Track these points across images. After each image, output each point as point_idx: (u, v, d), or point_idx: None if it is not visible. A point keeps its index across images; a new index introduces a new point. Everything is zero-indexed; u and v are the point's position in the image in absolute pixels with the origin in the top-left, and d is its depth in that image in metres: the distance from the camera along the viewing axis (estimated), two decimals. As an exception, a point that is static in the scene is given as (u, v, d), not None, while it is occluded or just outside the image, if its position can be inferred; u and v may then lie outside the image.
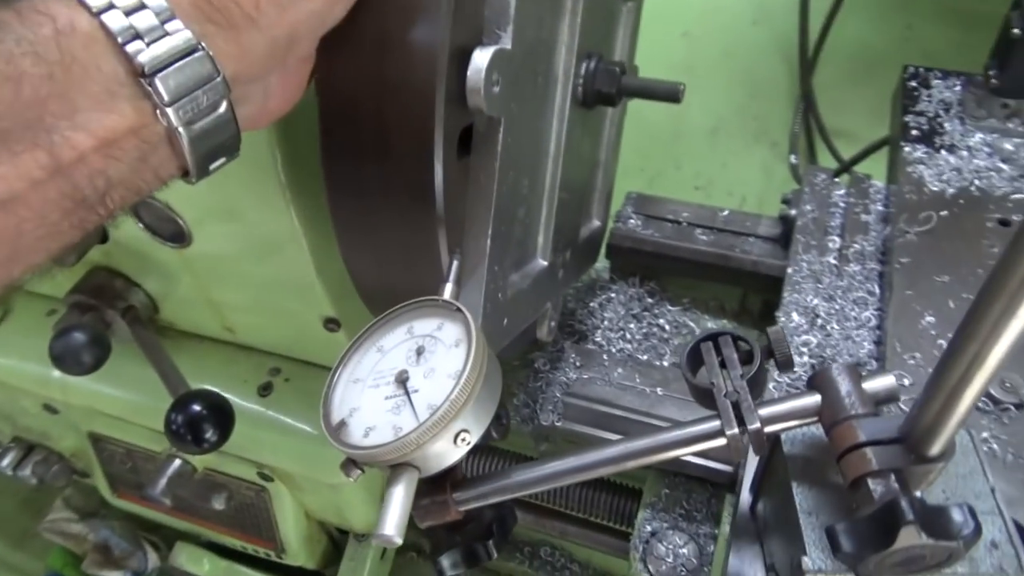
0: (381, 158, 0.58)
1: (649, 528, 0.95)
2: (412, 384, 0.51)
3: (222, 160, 0.46)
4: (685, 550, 0.92)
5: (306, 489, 1.08)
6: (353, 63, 0.54)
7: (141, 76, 0.40)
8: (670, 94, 0.82)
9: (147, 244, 0.88)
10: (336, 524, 1.19)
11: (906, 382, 0.79)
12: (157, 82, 0.40)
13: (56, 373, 1.06)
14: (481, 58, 0.55)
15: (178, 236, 0.85)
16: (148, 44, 0.40)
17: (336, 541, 1.26)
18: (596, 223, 0.99)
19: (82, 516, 1.36)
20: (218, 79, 0.42)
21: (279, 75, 0.51)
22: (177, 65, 0.41)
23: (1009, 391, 0.76)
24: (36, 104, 0.37)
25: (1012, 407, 0.76)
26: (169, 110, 0.41)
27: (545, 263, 0.82)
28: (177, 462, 1.02)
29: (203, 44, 0.42)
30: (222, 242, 0.85)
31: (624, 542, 1.07)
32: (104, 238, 0.91)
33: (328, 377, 0.55)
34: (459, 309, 0.53)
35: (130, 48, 0.39)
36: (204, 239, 0.84)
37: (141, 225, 0.86)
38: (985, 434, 0.74)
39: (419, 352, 0.53)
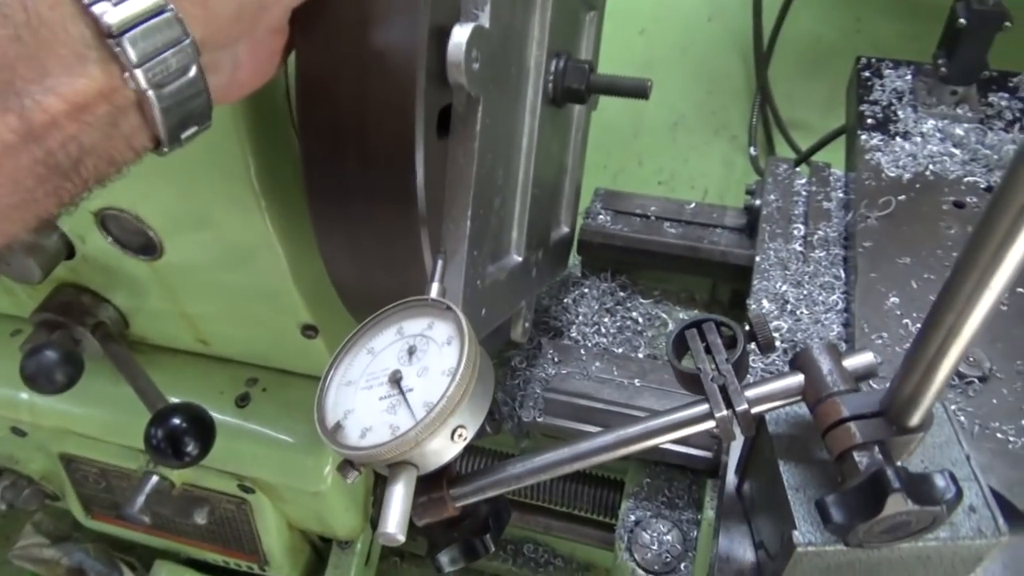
0: (360, 143, 0.58)
1: (633, 517, 0.97)
2: (406, 383, 0.52)
3: (193, 129, 0.46)
4: (669, 537, 0.94)
5: (288, 499, 1.07)
6: (331, 42, 0.55)
7: (108, 37, 0.39)
8: (638, 90, 0.84)
9: (116, 258, 0.87)
10: (319, 532, 1.19)
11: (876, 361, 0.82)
12: (125, 43, 0.40)
13: (24, 395, 1.04)
14: (460, 34, 0.56)
15: (148, 248, 0.84)
16: (115, 4, 0.39)
17: (319, 550, 1.25)
18: (565, 229, 1.01)
19: (54, 540, 1.32)
20: (186, 41, 0.42)
21: (248, 45, 0.51)
22: (144, 26, 0.40)
23: (973, 365, 0.79)
24: (5, 67, 0.37)
25: (976, 380, 0.79)
26: (138, 72, 0.40)
27: (519, 258, 0.82)
28: (155, 479, 1.01)
29: (171, 5, 0.41)
30: (194, 252, 0.84)
31: (608, 533, 1.08)
32: (70, 254, 0.90)
33: (319, 381, 0.55)
34: (449, 307, 0.53)
35: (96, 9, 0.39)
36: (175, 250, 0.83)
37: (110, 239, 0.84)
38: (953, 407, 0.77)
39: (411, 352, 0.53)
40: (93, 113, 0.40)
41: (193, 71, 0.43)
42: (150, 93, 0.41)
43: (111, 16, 0.39)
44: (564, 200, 0.99)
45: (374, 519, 1.19)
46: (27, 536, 1.33)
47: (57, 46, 0.38)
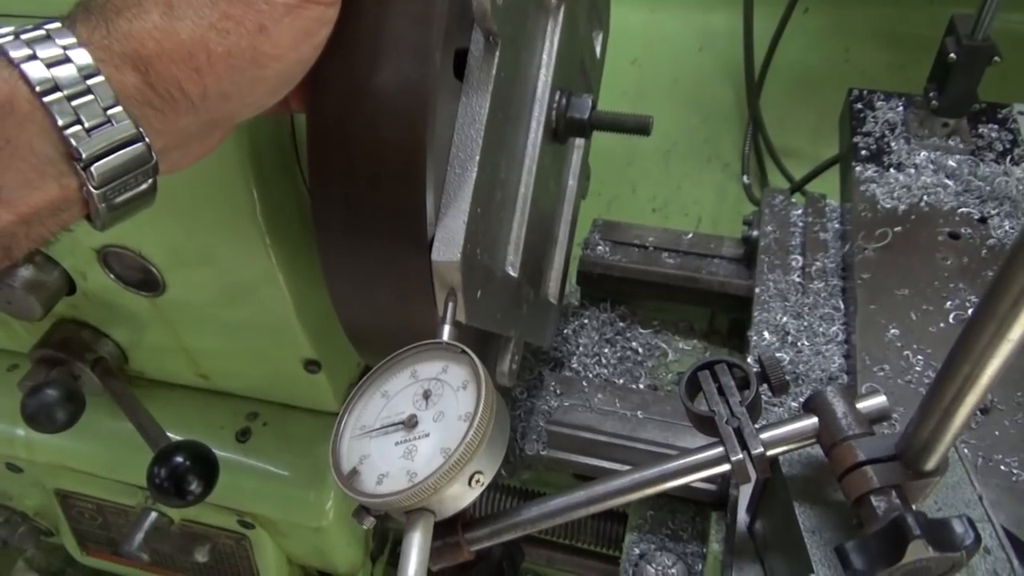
0: (372, 180, 0.57)
1: (637, 551, 0.96)
2: (422, 428, 0.51)
3: (130, 214, 0.47)
4: (674, 570, 0.94)
5: (288, 534, 1.06)
6: (343, 85, 0.54)
7: (76, 160, 0.40)
8: (640, 127, 0.84)
9: (117, 294, 0.86)
10: (319, 568, 1.17)
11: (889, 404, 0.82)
12: (92, 169, 0.41)
13: (21, 431, 1.03)
14: None
15: (150, 284, 0.84)
16: (89, 132, 0.40)
17: (318, 585, 1.24)
18: (552, 300, 0.95)
19: (46, 577, 1.30)
20: (151, 164, 0.43)
21: (200, 141, 0.51)
22: (115, 155, 0.41)
23: (975, 398, 0.80)
24: None
25: (979, 412, 0.80)
26: (96, 191, 0.41)
27: (514, 275, 0.77)
28: (153, 515, 1.00)
29: (144, 134, 0.42)
30: (196, 288, 0.84)
31: (611, 566, 1.08)
32: (71, 290, 0.89)
33: (334, 426, 0.54)
34: (464, 351, 0.53)
35: (70, 132, 0.40)
36: (177, 286, 0.83)
37: (111, 275, 0.84)
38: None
39: (426, 396, 0.53)
40: (40, 221, 0.41)
41: (148, 184, 0.44)
42: (102, 205, 0.42)
43: (85, 145, 0.40)
44: (553, 271, 0.96)
45: (374, 553, 1.18)
46: (20, 572, 1.31)
47: (18, 162, 0.39)
